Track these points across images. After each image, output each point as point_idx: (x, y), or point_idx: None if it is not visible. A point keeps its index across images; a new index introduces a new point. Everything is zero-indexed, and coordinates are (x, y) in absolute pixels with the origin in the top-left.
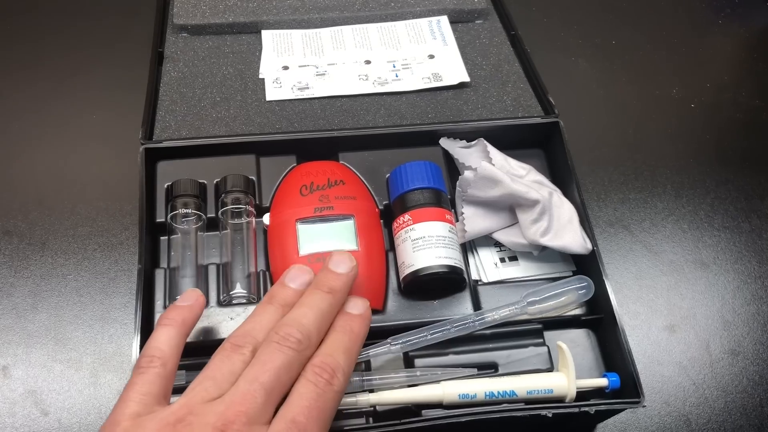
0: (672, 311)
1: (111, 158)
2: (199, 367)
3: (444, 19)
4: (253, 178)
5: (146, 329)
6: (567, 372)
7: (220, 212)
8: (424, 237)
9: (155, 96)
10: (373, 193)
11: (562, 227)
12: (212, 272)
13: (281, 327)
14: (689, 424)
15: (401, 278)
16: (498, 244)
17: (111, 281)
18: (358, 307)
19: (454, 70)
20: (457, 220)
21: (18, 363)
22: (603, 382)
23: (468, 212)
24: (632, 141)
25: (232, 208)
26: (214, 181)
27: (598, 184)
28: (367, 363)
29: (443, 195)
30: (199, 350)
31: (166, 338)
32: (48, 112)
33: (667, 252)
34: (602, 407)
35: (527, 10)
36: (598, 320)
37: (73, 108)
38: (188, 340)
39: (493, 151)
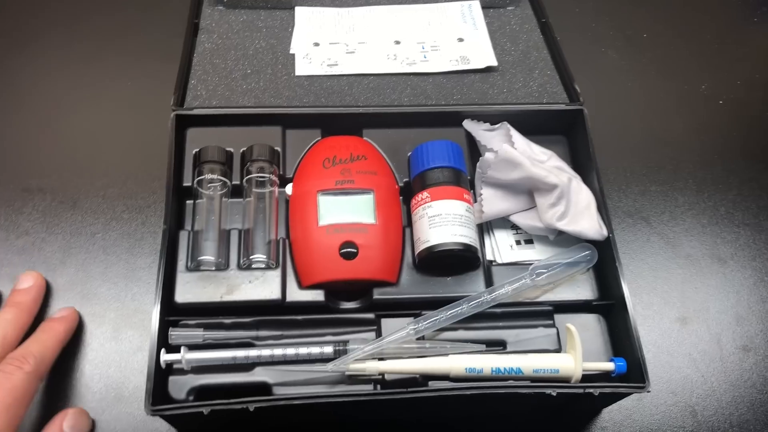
0: (685, 304)
1: (143, 123)
2: (217, 327)
3: (476, 4)
4: (279, 149)
5: (168, 288)
6: (574, 354)
7: (244, 180)
8: (441, 214)
9: (189, 65)
10: (394, 170)
11: (579, 213)
12: (234, 237)
13: None
14: (695, 414)
15: (416, 254)
16: (515, 227)
17: (137, 242)
18: (60, 313)
19: (482, 54)
20: (476, 201)
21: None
22: (610, 366)
23: (487, 193)
24: (657, 134)
25: (257, 176)
26: (241, 150)
27: (619, 174)
28: (379, 332)
29: (463, 175)
30: (217, 311)
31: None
32: (84, 76)
33: (685, 245)
34: (607, 390)
35: (561, 1)
36: (609, 306)
37: (109, 73)
38: (210, 300)
39: (516, 135)
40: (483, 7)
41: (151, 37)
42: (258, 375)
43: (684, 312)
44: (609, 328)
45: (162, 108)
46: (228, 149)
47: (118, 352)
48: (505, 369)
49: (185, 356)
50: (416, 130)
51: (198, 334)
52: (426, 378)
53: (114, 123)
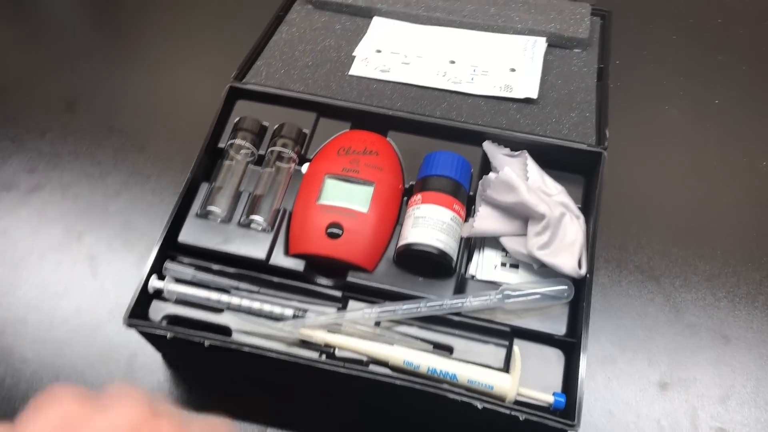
0: (671, 370)
1: (216, 92)
2: (205, 270)
3: (541, 41)
4: (307, 131)
5: (175, 226)
6: (513, 376)
7: (268, 150)
8: (426, 217)
9: (261, 49)
10: (405, 171)
11: (562, 247)
12: (244, 197)
13: None
14: None
15: (396, 249)
16: (505, 250)
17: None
18: None
19: (526, 85)
20: (471, 216)
21: (90, 232)
22: (548, 398)
23: (483, 211)
24: (697, 199)
25: (280, 149)
26: (275, 126)
27: (642, 229)
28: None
29: (462, 189)
30: (210, 256)
31: None
32: (178, 47)
33: (690, 314)
34: (533, 418)
35: (639, 55)
36: (571, 344)
37: (195, 48)
38: (206, 246)
39: (532, 165)
40: (550, 45)
41: (238, 21)
42: (224, 319)
43: (667, 378)
44: (566, 365)
45: (227, 79)
46: (264, 123)
47: (137, 277)
48: (441, 371)
49: (167, 286)
50: (438, 141)
51: (188, 272)
52: (369, 361)
53: (190, 88)
